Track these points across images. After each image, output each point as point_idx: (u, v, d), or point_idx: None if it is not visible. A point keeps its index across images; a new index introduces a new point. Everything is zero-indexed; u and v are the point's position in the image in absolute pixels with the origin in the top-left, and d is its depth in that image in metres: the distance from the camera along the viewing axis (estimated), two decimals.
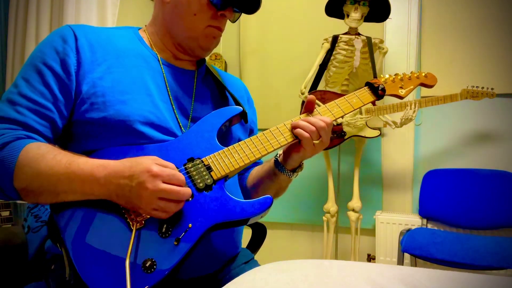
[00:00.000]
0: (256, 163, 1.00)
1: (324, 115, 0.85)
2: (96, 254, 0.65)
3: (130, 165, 0.66)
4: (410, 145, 2.32)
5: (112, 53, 0.80)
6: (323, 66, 2.12)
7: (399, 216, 2.21)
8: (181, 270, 0.67)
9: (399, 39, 2.34)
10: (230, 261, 0.87)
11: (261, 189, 0.94)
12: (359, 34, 2.08)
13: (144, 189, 0.64)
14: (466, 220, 2.05)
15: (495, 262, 1.54)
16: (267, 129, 0.82)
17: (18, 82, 0.74)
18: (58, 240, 0.67)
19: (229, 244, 0.85)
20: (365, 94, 0.90)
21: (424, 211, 2.16)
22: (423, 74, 0.98)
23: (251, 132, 1.02)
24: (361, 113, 2.06)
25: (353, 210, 2.18)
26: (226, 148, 0.78)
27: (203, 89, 0.92)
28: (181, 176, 0.68)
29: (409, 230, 1.96)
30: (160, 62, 0.86)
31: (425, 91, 2.24)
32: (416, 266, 2.04)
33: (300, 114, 0.86)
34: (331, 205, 2.23)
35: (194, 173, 0.73)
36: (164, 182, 0.65)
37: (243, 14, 0.89)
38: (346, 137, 2.06)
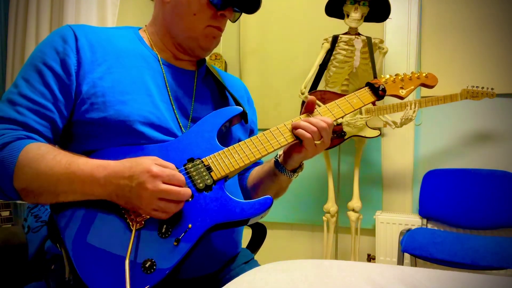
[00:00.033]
0: (256, 163, 1.00)
1: (325, 115, 0.85)
2: (96, 254, 0.65)
3: (130, 166, 0.66)
4: (410, 145, 2.32)
5: (112, 53, 0.80)
6: (323, 66, 2.12)
7: (399, 216, 2.21)
8: (181, 270, 0.67)
9: (399, 39, 2.34)
10: (230, 261, 0.87)
11: (261, 189, 0.94)
12: (359, 34, 2.08)
13: (144, 190, 0.64)
14: (466, 220, 2.05)
15: (495, 262, 1.54)
16: (267, 129, 0.82)
17: (18, 82, 0.74)
18: (58, 240, 0.67)
19: (229, 244, 0.85)
20: (366, 95, 0.90)
21: (424, 211, 2.16)
22: (424, 75, 0.98)
23: (251, 132, 1.02)
24: (361, 113, 2.06)
25: (353, 210, 2.18)
26: (226, 148, 0.78)
27: (203, 89, 0.91)
28: (181, 177, 0.68)
29: (409, 230, 1.96)
30: (160, 62, 0.86)
31: (425, 91, 2.24)
32: (416, 266, 2.04)
33: (300, 114, 0.86)
34: (331, 205, 2.23)
35: (194, 173, 0.73)
36: (164, 183, 0.65)
37: (243, 14, 0.89)
38: (346, 137, 2.06)
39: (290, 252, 2.59)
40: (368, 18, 2.07)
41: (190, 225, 0.69)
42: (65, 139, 0.79)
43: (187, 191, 0.68)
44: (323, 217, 2.25)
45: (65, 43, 0.76)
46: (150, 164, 0.66)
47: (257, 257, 0.96)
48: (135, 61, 0.82)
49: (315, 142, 0.80)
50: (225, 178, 0.76)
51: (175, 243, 0.67)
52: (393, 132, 2.32)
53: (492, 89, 1.97)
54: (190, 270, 0.76)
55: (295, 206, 2.53)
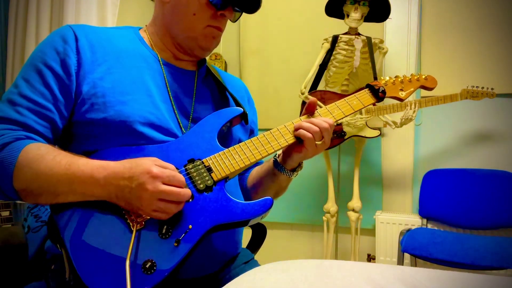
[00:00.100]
0: (256, 163, 1.00)
1: (325, 117, 0.85)
2: (96, 254, 0.65)
3: (130, 166, 0.66)
4: (410, 145, 2.32)
5: (112, 54, 0.80)
6: (323, 66, 2.12)
7: (399, 216, 2.21)
8: (181, 270, 0.67)
9: (399, 39, 2.34)
10: (230, 261, 0.87)
11: (261, 189, 0.94)
12: (359, 34, 2.08)
13: (144, 191, 0.64)
14: (466, 220, 2.05)
15: (495, 262, 1.54)
16: (267, 129, 0.82)
17: (18, 82, 0.74)
18: (58, 240, 0.67)
19: (229, 245, 0.85)
20: (366, 96, 0.90)
21: (424, 211, 2.16)
22: (423, 77, 0.98)
23: (251, 133, 1.02)
24: (361, 113, 2.06)
25: (353, 210, 2.18)
26: (226, 149, 0.78)
27: (203, 89, 0.91)
28: (181, 177, 0.68)
29: (409, 230, 1.96)
30: (161, 62, 0.86)
31: (425, 91, 2.24)
32: (416, 266, 2.04)
33: (301, 115, 0.86)
34: (331, 205, 2.23)
35: (195, 174, 0.73)
36: (164, 184, 0.65)
37: (243, 14, 0.89)
38: (346, 137, 2.06)
39: (290, 252, 2.59)
40: (368, 18, 2.07)
41: (190, 226, 0.69)
42: (65, 139, 0.79)
43: (187, 192, 0.68)
44: (323, 217, 2.25)
45: (65, 43, 0.76)
46: (150, 165, 0.66)
47: (257, 257, 0.96)
48: (135, 61, 0.82)
49: (316, 142, 0.81)
50: (226, 179, 0.76)
51: (176, 244, 0.67)
52: (393, 132, 2.32)
53: (492, 89, 1.97)
54: (190, 271, 0.76)
55: (295, 206, 2.53)
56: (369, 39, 2.06)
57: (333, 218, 2.22)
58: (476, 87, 1.97)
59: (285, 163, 0.88)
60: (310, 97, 1.72)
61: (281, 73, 2.57)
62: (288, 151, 0.86)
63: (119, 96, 0.76)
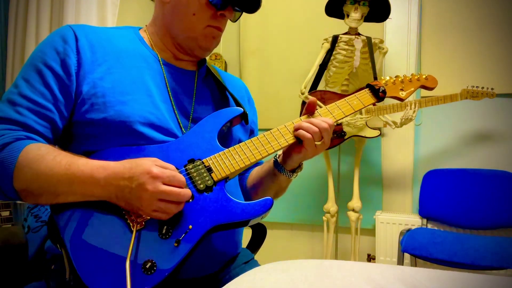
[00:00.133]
0: (256, 163, 1.00)
1: (325, 116, 0.85)
2: (96, 254, 0.65)
3: (130, 167, 0.66)
4: (410, 145, 2.32)
5: (112, 54, 0.80)
6: (323, 66, 2.12)
7: (399, 216, 2.21)
8: (181, 271, 0.67)
9: (399, 39, 2.34)
10: (230, 261, 0.87)
11: (261, 189, 0.94)
12: (359, 34, 2.08)
13: (144, 191, 0.64)
14: (466, 220, 2.05)
15: (495, 262, 1.54)
16: (267, 129, 0.82)
17: (18, 82, 0.74)
18: (58, 240, 0.67)
19: (229, 245, 0.85)
20: (366, 96, 0.90)
21: (424, 211, 2.16)
22: (424, 76, 0.98)
23: (251, 133, 1.02)
24: (361, 113, 2.06)
25: (353, 210, 2.18)
26: (226, 149, 0.78)
27: (203, 89, 0.91)
28: (182, 178, 0.68)
29: (409, 230, 1.96)
30: (161, 62, 0.86)
31: (425, 91, 2.23)
32: (416, 266, 2.04)
33: (301, 115, 0.86)
34: (331, 205, 2.23)
35: (195, 174, 0.73)
36: (164, 184, 0.65)
37: (243, 14, 0.89)
38: (346, 137, 2.06)
39: (290, 252, 2.59)
40: (368, 18, 2.07)
41: (190, 226, 0.69)
42: (65, 139, 0.79)
43: (187, 192, 0.68)
44: (323, 217, 2.25)
45: (65, 43, 0.76)
46: (150, 165, 0.66)
47: (257, 257, 0.96)
48: (135, 61, 0.82)
49: (316, 142, 0.81)
50: (226, 179, 0.76)
51: (176, 244, 0.67)
52: (393, 132, 2.32)
53: (492, 89, 1.97)
54: (190, 271, 0.76)
55: (295, 206, 2.53)
56: (369, 39, 2.06)
57: (333, 218, 2.22)
58: (476, 87, 1.97)
59: (285, 163, 0.88)
60: (310, 97, 1.72)
61: (281, 73, 2.57)
62: (288, 151, 0.86)
63: (119, 96, 0.76)
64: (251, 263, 0.90)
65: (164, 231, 0.68)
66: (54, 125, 0.74)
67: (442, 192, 2.13)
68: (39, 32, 1.95)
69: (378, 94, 0.90)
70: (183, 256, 0.66)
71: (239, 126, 0.92)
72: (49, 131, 0.74)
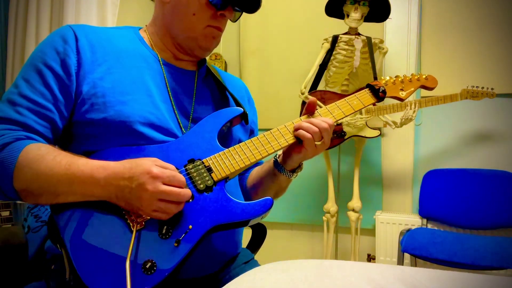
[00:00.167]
0: (256, 164, 1.00)
1: (325, 116, 0.85)
2: (96, 255, 0.65)
3: (130, 167, 0.66)
4: (410, 145, 2.32)
5: (112, 54, 0.80)
6: (323, 66, 2.12)
7: (399, 216, 2.21)
8: (181, 271, 0.67)
9: (399, 39, 2.34)
10: (230, 261, 0.87)
11: (261, 189, 0.94)
12: (359, 34, 2.08)
13: (144, 191, 0.64)
14: (466, 220, 2.05)
15: (495, 262, 1.54)
16: (267, 129, 0.82)
17: (18, 82, 0.74)
18: (58, 240, 0.67)
19: (230, 245, 0.85)
20: (366, 96, 0.90)
21: (424, 211, 2.16)
22: (424, 76, 0.98)
23: (251, 133, 1.02)
24: (361, 113, 2.06)
25: (353, 210, 2.18)
26: (226, 149, 0.78)
27: (203, 89, 0.91)
28: (182, 178, 0.68)
29: (409, 230, 1.96)
30: (161, 62, 0.86)
31: (425, 91, 2.23)
32: (416, 266, 2.04)
33: (301, 115, 0.86)
34: (331, 205, 2.23)
35: (195, 174, 0.73)
36: (164, 184, 0.65)
37: (243, 14, 0.89)
38: (346, 137, 2.06)
39: (290, 252, 2.59)
40: (368, 18, 2.07)
41: (190, 226, 0.69)
42: (65, 139, 0.79)
43: (187, 192, 0.68)
44: (323, 217, 2.25)
45: (65, 43, 0.76)
46: (150, 165, 0.66)
47: (257, 257, 0.96)
48: (135, 61, 0.82)
49: (316, 142, 0.81)
50: (226, 179, 0.76)
51: (176, 244, 0.67)
52: (393, 132, 2.32)
53: (492, 89, 1.97)
54: (190, 271, 0.76)
55: (295, 206, 2.53)
56: (369, 39, 2.06)
57: (333, 218, 2.22)
58: (476, 87, 1.97)
59: (285, 163, 0.88)
60: (310, 97, 1.72)
61: (281, 73, 2.57)
62: (288, 151, 0.86)
63: (119, 96, 0.76)
64: (251, 263, 0.90)
65: (164, 231, 0.68)
66: (54, 125, 0.74)
67: (442, 192, 2.13)
68: (39, 32, 1.95)
69: (378, 94, 0.90)
70: (183, 256, 0.66)
71: (239, 126, 0.92)
72: (49, 131, 0.74)
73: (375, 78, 1.99)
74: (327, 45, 2.12)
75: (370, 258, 2.33)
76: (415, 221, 2.16)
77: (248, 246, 0.97)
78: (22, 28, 2.01)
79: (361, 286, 0.55)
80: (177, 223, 0.69)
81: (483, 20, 2.18)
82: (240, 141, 0.87)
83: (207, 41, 0.86)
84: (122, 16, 2.19)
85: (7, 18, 2.07)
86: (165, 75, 0.85)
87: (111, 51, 0.80)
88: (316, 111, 0.86)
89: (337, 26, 2.13)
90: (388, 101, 2.07)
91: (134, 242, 0.66)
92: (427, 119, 2.30)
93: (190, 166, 0.74)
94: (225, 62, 2.67)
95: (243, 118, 0.86)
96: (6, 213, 1.64)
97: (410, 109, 1.94)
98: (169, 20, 0.85)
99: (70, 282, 0.67)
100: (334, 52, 2.08)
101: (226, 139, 0.88)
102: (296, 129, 0.82)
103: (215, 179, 0.74)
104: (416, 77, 0.97)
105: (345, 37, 2.07)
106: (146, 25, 0.92)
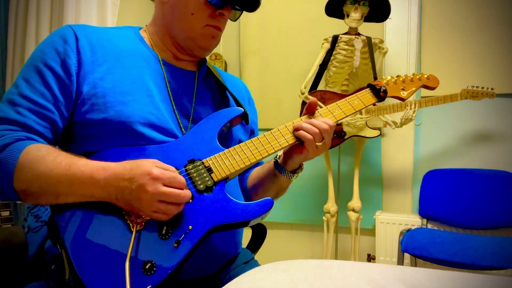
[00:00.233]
0: (256, 164, 1.00)
1: (326, 116, 0.85)
2: (96, 255, 0.65)
3: (130, 168, 0.66)
4: (410, 145, 2.32)
5: (112, 54, 0.80)
6: (323, 66, 2.12)
7: (399, 216, 2.21)
8: (181, 271, 0.67)
9: (399, 39, 2.34)
10: (230, 262, 0.87)
11: (261, 190, 0.94)
12: (359, 34, 2.08)
13: (144, 192, 0.64)
14: (466, 220, 2.05)
15: (495, 262, 1.54)
16: (267, 129, 0.82)
17: (18, 82, 0.74)
18: (58, 241, 0.67)
19: (230, 245, 0.85)
20: (367, 96, 0.90)
21: (424, 211, 2.16)
22: (426, 76, 0.97)
23: (251, 133, 1.02)
24: (361, 113, 2.06)
25: (353, 210, 2.18)
26: (226, 149, 0.78)
27: (204, 89, 0.91)
28: (182, 179, 0.68)
29: (409, 230, 1.96)
30: (161, 62, 0.86)
31: (425, 91, 2.24)
32: (416, 266, 2.04)
33: (301, 115, 0.86)
34: (331, 205, 2.23)
35: (195, 174, 0.73)
36: (164, 185, 0.65)
37: (243, 14, 0.89)
38: (346, 137, 2.06)
39: (290, 252, 2.59)
40: (368, 18, 2.07)
41: (190, 227, 0.69)
42: (65, 139, 0.79)
43: (187, 193, 0.68)
44: (323, 217, 2.25)
45: (65, 44, 0.76)
46: (150, 166, 0.66)
47: (257, 257, 0.96)
48: (135, 61, 0.82)
49: (316, 143, 0.80)
50: (226, 179, 0.75)
51: (175, 245, 0.67)
52: (393, 132, 2.32)
53: (492, 89, 1.97)
54: (190, 271, 0.76)
55: (295, 206, 2.53)
56: (369, 39, 2.06)
57: (333, 218, 2.22)
58: (476, 87, 1.97)
59: (286, 164, 0.88)
60: (310, 97, 1.72)
61: (281, 73, 2.57)
62: (289, 152, 0.86)
63: (119, 97, 0.75)
64: (251, 263, 0.90)
65: (164, 231, 0.68)
66: (54, 126, 0.74)
67: (442, 192, 2.13)
68: (39, 32, 1.95)
69: (379, 94, 0.90)
70: (183, 257, 0.66)
71: (239, 126, 0.92)
72: (49, 131, 0.74)
73: (375, 78, 1.99)
74: (327, 45, 2.12)
75: (370, 258, 2.33)
76: (415, 221, 2.16)
77: (248, 246, 0.97)
78: (22, 28, 2.01)
79: (361, 286, 0.55)
80: (177, 224, 0.69)
81: (483, 20, 2.18)
82: (240, 141, 0.87)
83: (206, 41, 0.86)
84: (122, 16, 2.19)
85: (7, 18, 2.07)
86: (165, 75, 0.85)
87: (111, 51, 0.80)
88: (316, 111, 0.86)
89: (337, 26, 2.13)
90: (388, 101, 2.07)
91: (134, 243, 0.66)
92: (427, 119, 2.30)
93: (190, 167, 0.74)
94: (225, 62, 2.67)
95: (244, 118, 0.86)
96: (6, 213, 1.64)
97: (410, 109, 1.95)
98: (169, 20, 0.85)
99: (70, 283, 0.66)
100: (334, 52, 2.08)
101: (226, 139, 0.87)
102: (296, 129, 0.81)
103: (215, 179, 0.74)
104: (417, 77, 0.97)
105: (345, 37, 2.07)
106: (146, 25, 0.92)
